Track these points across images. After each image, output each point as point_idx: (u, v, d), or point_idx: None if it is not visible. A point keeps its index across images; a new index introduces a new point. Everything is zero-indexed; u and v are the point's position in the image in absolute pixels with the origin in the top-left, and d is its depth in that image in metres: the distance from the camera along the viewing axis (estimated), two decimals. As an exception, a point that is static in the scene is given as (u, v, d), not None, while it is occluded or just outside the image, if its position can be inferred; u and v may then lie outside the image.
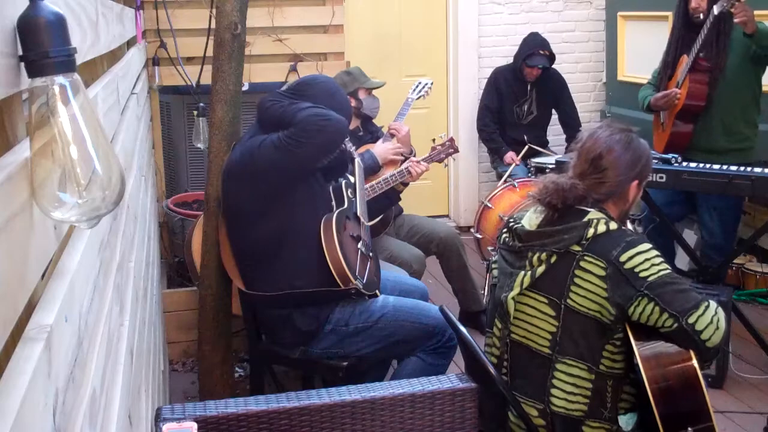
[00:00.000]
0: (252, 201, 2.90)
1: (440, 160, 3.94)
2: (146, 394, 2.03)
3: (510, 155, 5.27)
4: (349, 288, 2.89)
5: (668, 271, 2.13)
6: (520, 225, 2.32)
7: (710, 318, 2.09)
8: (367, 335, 2.93)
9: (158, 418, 1.97)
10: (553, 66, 5.48)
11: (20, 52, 0.79)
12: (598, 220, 2.17)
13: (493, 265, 2.48)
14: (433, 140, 4.03)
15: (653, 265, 2.12)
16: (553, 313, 2.20)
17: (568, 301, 2.17)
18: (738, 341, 3.83)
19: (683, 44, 4.03)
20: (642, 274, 2.10)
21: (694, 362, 2.12)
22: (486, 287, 4.53)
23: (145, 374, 2.09)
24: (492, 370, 2.25)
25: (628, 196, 2.29)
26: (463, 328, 2.44)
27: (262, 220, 2.89)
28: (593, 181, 2.24)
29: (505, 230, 2.41)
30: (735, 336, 3.76)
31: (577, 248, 2.17)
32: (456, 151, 3.95)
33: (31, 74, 0.79)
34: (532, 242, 2.26)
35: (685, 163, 3.60)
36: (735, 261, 4.61)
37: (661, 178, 3.55)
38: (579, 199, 2.21)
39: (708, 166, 3.56)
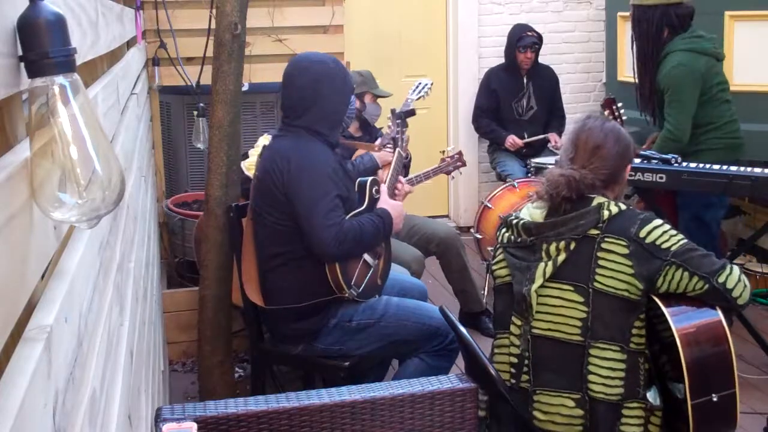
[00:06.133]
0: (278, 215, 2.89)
1: (448, 173, 4.05)
2: (146, 394, 2.03)
3: (511, 138, 5.30)
4: (344, 295, 2.89)
5: (686, 240, 2.25)
6: (525, 220, 2.36)
7: (738, 276, 2.23)
8: (369, 333, 2.93)
9: (158, 418, 1.97)
10: (551, 65, 5.50)
11: (20, 53, 0.79)
12: (608, 202, 2.27)
13: (495, 267, 2.46)
14: (442, 152, 4.08)
15: (671, 236, 2.23)
16: (581, 299, 2.24)
17: (596, 284, 2.22)
18: (738, 341, 3.81)
19: None
20: (664, 246, 2.20)
21: (723, 322, 2.23)
22: (486, 288, 4.53)
23: (145, 374, 2.09)
24: (492, 370, 2.25)
25: (624, 179, 2.43)
26: (463, 329, 2.44)
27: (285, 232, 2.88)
28: (596, 170, 2.32)
29: (505, 228, 2.44)
30: (735, 336, 3.75)
31: (595, 232, 2.24)
32: (464, 164, 4.04)
33: (31, 74, 0.79)
34: (545, 233, 2.30)
35: (684, 163, 3.59)
36: (735, 261, 4.59)
37: (661, 178, 3.55)
38: (590, 187, 2.29)
39: (708, 166, 3.55)
